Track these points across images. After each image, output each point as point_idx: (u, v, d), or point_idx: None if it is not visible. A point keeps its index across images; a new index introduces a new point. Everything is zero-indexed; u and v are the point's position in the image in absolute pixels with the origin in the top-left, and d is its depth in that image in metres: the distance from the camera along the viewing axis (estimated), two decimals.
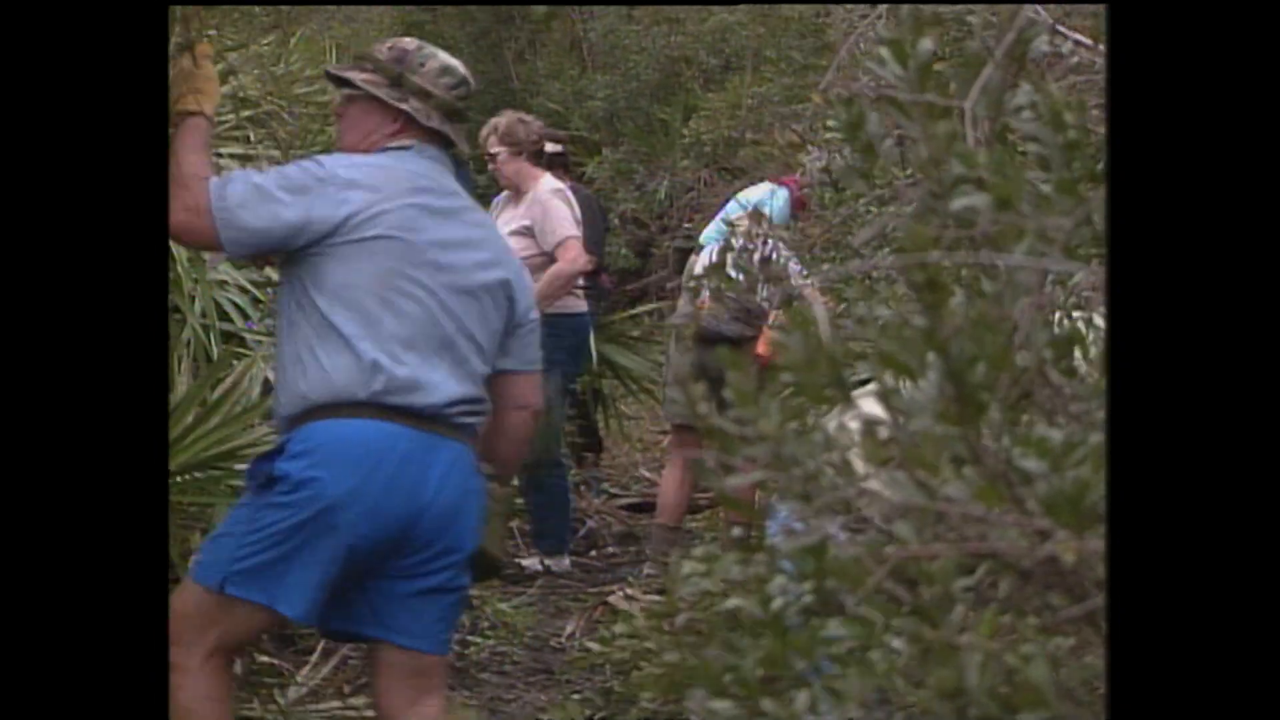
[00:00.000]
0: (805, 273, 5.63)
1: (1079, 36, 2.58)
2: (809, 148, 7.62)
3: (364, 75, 3.39)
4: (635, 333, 8.14)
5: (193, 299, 5.70)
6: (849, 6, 6.65)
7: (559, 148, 6.96)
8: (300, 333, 3.14)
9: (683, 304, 6.72)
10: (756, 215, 6.53)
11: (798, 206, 6.90)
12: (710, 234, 7.21)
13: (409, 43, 3.53)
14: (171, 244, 5.72)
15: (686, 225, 9.46)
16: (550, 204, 6.28)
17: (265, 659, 4.48)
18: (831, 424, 1.38)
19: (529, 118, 6.69)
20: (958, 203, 1.25)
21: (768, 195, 7.11)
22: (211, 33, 7.63)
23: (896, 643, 1.27)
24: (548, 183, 6.44)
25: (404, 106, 3.36)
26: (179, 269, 5.65)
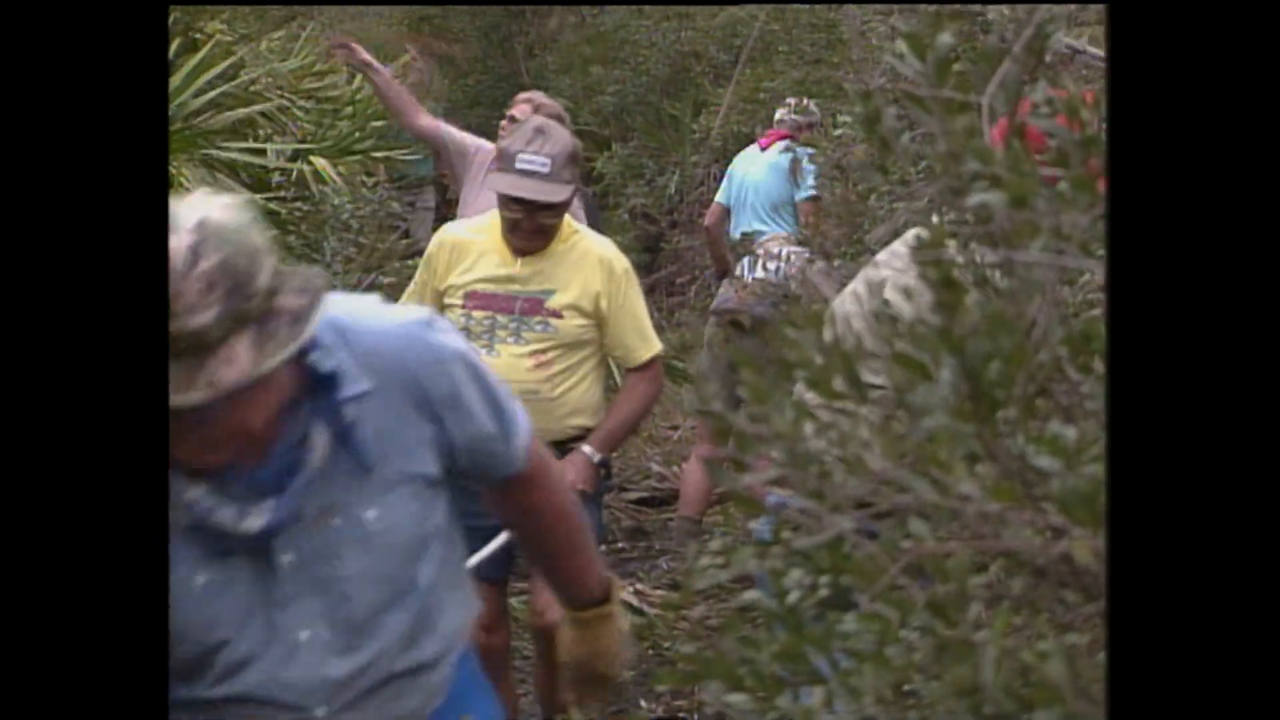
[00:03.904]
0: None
1: (1085, 46, 2.58)
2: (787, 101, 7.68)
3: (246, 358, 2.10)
4: None
5: None
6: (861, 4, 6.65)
7: None
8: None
9: (724, 289, 6.72)
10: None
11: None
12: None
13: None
14: None
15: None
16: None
17: None
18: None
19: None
20: (973, 199, 1.25)
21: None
22: (222, 26, 7.66)
23: (912, 638, 1.27)
24: None
25: None
26: None
